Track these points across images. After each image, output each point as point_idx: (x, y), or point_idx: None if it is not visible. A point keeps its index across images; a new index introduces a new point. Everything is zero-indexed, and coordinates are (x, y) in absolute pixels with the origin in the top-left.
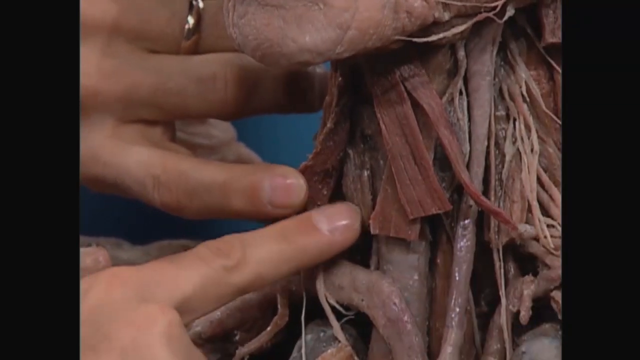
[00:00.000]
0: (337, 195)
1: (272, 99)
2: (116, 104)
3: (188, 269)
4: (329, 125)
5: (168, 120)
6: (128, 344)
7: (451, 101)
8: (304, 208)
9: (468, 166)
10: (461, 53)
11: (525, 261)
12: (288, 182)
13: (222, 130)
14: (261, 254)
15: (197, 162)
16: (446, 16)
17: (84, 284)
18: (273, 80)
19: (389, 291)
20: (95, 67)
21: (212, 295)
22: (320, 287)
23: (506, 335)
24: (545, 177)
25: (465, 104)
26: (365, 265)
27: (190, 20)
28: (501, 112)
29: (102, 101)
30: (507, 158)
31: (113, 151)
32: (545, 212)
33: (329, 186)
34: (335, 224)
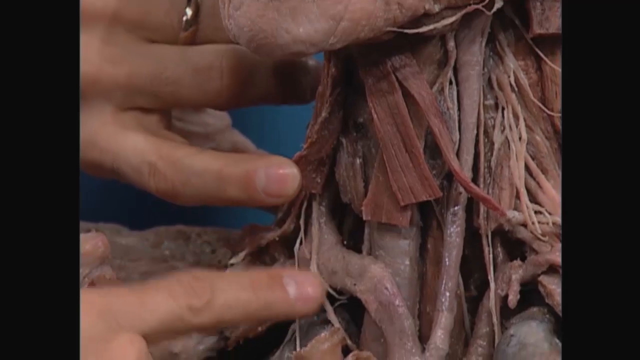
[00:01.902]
0: (330, 184)
1: (267, 89)
2: (115, 91)
3: (156, 304)
4: (323, 114)
5: (164, 109)
6: None
7: (441, 91)
8: (298, 196)
9: (458, 154)
10: (451, 44)
11: (514, 246)
12: (282, 172)
13: (217, 118)
14: (228, 301)
15: (193, 150)
16: (436, 8)
17: None
18: (267, 72)
19: (381, 276)
20: (96, 54)
21: (172, 331)
22: (314, 271)
23: (495, 318)
24: (533, 165)
25: (455, 93)
26: (358, 250)
27: (189, 11)
28: (490, 102)
29: (101, 88)
30: (496, 146)
31: (110, 137)
32: (533, 199)
33: (322, 174)
34: (301, 291)
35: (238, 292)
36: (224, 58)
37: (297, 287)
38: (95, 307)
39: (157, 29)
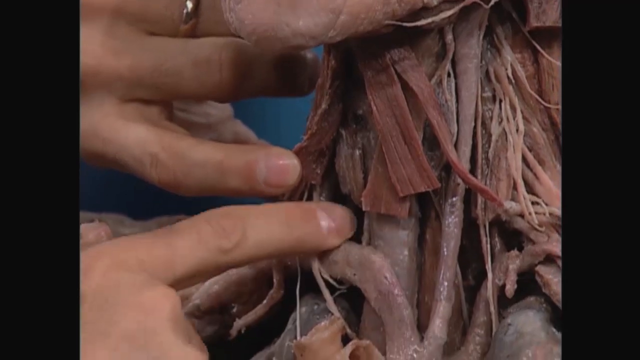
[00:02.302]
0: (330, 174)
1: (265, 82)
2: (117, 83)
3: (186, 250)
4: (323, 106)
5: (165, 101)
6: (134, 329)
7: (440, 83)
8: (297, 187)
9: (456, 146)
10: (449, 37)
11: (511, 237)
12: (283, 163)
13: (219, 109)
14: (261, 237)
15: (194, 141)
16: (435, 1)
17: (83, 260)
18: (267, 64)
19: (380, 266)
20: (97, 47)
21: (203, 274)
22: (314, 261)
23: (492, 308)
24: (530, 156)
25: (453, 85)
26: (358, 241)
27: (189, 4)
28: (488, 94)
29: (103, 80)
30: (494, 138)
31: (112, 128)
32: (530, 190)
33: (322, 165)
34: (333, 224)
35: (271, 228)
36: (223, 51)
37: (329, 220)
38: (126, 262)
39: (158, 21)
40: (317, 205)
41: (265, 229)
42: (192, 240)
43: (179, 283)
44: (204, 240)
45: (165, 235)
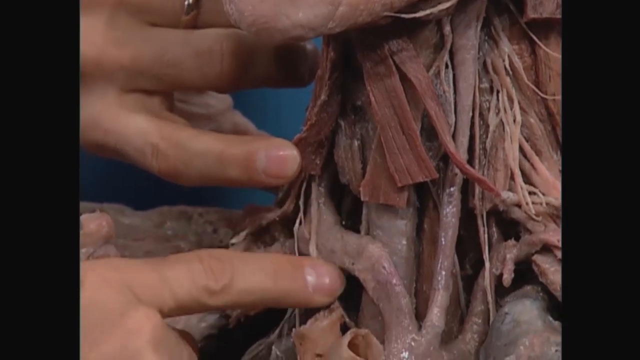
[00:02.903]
0: (329, 165)
1: (266, 73)
2: (118, 73)
3: (173, 281)
4: (322, 97)
5: (166, 91)
6: (117, 351)
7: (437, 74)
8: (297, 178)
9: (454, 136)
10: (447, 28)
11: (508, 226)
12: (283, 154)
13: (219, 100)
14: (247, 285)
15: (195, 131)
16: None
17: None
18: (267, 55)
19: (379, 255)
20: (99, 37)
21: (187, 310)
22: (313, 251)
23: (490, 297)
24: (527, 147)
25: (450, 76)
26: (356, 230)
27: None
28: (485, 85)
29: (105, 70)
30: (491, 128)
31: (114, 119)
32: (527, 180)
33: (321, 156)
34: (321, 282)
35: (258, 278)
36: (224, 42)
37: (317, 278)
38: (114, 281)
39: (159, 12)
40: (306, 262)
41: (252, 278)
42: (182, 274)
43: (165, 311)
44: (193, 277)
45: (157, 264)
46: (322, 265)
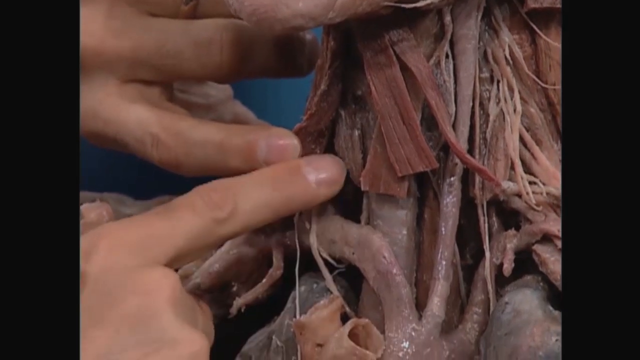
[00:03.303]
0: (330, 154)
1: (266, 63)
2: (118, 64)
3: (182, 223)
4: (322, 87)
5: (166, 82)
6: (134, 312)
7: (438, 64)
8: None
9: (454, 126)
10: (447, 18)
11: (508, 216)
12: (283, 143)
13: (219, 90)
14: (252, 204)
15: (195, 121)
16: None
17: (83, 242)
18: (267, 45)
19: (379, 245)
20: (100, 27)
21: (201, 246)
22: (314, 241)
23: (490, 286)
24: (527, 136)
25: (451, 66)
26: (356, 220)
27: None
28: (485, 74)
29: (105, 60)
30: (491, 118)
31: (114, 109)
32: (527, 170)
33: (321, 146)
34: (322, 176)
35: (260, 191)
36: (224, 32)
37: (316, 173)
38: (127, 242)
39: (159, 2)
40: (303, 161)
41: (254, 195)
42: (188, 215)
43: (180, 258)
44: (199, 213)
45: (162, 213)
46: (319, 160)
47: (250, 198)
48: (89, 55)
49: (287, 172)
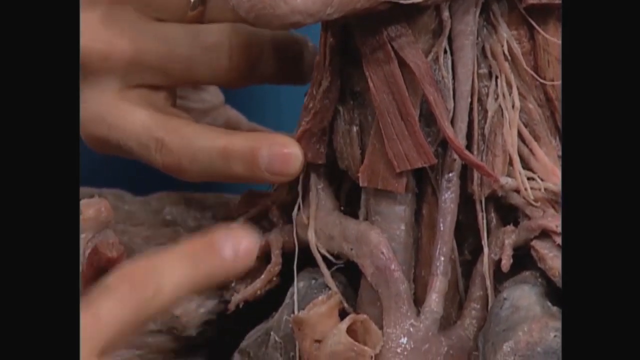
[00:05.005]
0: (329, 150)
1: (273, 69)
2: (126, 68)
3: (109, 314)
4: (324, 84)
5: (173, 86)
6: None
7: (436, 60)
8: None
9: (452, 122)
10: (446, 14)
11: (507, 212)
12: (286, 152)
13: (213, 95)
14: (174, 282)
15: (200, 126)
16: None
17: None
18: (275, 51)
19: (377, 241)
20: (106, 32)
21: (131, 329)
22: (312, 237)
23: (488, 282)
24: (525, 132)
25: (449, 62)
26: (355, 216)
27: None
28: (484, 70)
29: (112, 65)
30: (490, 114)
31: (119, 113)
32: (526, 166)
33: (324, 144)
34: (237, 248)
35: (180, 271)
36: (233, 36)
37: (232, 246)
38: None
39: (165, 8)
40: (216, 235)
41: (175, 273)
42: (110, 303)
43: (112, 346)
44: (124, 299)
45: (88, 306)
46: (232, 232)
47: (171, 276)
48: (96, 60)
49: (202, 248)
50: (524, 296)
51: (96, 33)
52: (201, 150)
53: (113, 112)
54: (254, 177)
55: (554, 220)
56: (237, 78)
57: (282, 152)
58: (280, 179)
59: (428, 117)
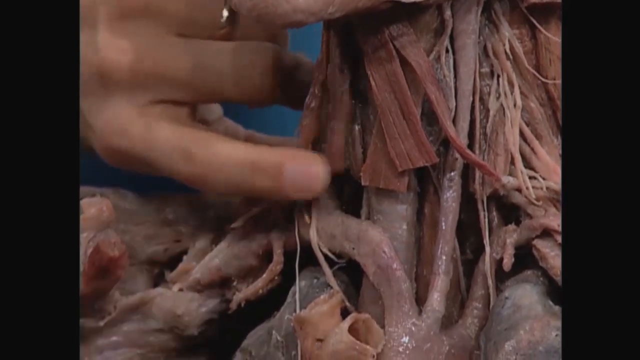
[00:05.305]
0: None
1: (300, 92)
2: (155, 84)
3: None
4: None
5: (198, 102)
6: None
7: (438, 59)
8: None
9: (454, 121)
10: (447, 13)
11: (509, 211)
12: (312, 170)
13: (216, 106)
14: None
15: (226, 139)
16: None
17: None
18: (305, 74)
19: (379, 240)
20: (136, 47)
21: None
22: (314, 236)
23: (490, 281)
24: (527, 131)
25: (451, 61)
26: (356, 215)
27: (225, 13)
28: (486, 69)
29: (141, 79)
30: (491, 113)
31: (145, 127)
32: (528, 165)
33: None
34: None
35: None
36: (263, 56)
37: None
38: None
39: (195, 24)
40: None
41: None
42: None
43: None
44: None
45: None
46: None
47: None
48: (125, 74)
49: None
50: (526, 295)
51: (124, 47)
52: (227, 162)
53: (140, 126)
54: (277, 192)
55: (555, 219)
56: (266, 97)
57: (309, 170)
58: (303, 195)
59: (430, 116)
